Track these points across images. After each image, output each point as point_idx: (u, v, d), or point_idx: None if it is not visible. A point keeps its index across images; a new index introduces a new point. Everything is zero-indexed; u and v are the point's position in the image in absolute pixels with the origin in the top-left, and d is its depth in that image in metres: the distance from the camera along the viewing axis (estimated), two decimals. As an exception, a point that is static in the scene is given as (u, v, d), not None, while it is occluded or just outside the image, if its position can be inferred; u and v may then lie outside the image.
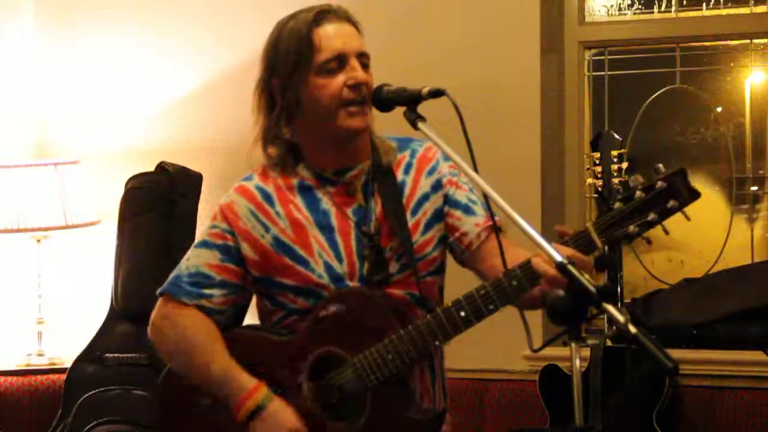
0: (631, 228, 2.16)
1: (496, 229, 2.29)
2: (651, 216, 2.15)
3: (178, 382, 2.48)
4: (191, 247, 2.48)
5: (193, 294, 2.42)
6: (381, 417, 2.34)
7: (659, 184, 2.14)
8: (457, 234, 2.45)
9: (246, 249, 2.42)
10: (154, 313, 2.47)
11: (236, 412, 2.36)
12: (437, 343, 2.31)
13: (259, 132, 2.46)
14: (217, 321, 2.45)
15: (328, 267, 2.39)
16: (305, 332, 2.40)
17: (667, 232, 2.20)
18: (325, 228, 2.41)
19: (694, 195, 2.15)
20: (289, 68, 2.39)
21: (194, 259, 2.45)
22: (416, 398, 2.40)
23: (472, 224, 2.44)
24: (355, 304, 2.38)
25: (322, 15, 2.39)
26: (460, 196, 2.46)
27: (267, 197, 2.43)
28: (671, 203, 2.14)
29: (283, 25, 2.42)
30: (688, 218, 2.17)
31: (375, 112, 2.43)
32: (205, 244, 2.45)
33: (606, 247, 2.20)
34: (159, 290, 2.48)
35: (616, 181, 3.45)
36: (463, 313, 2.27)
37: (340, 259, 2.40)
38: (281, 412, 2.35)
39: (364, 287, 2.39)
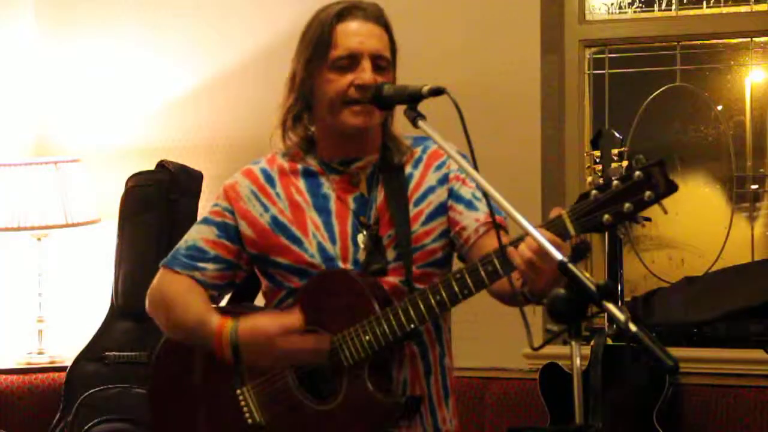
0: (606, 217, 2.08)
1: (497, 226, 2.28)
2: (626, 206, 2.07)
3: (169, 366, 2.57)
4: (194, 225, 2.57)
5: (187, 265, 2.50)
6: (356, 397, 2.36)
7: (636, 174, 2.06)
8: (457, 228, 2.47)
9: (244, 227, 2.48)
10: (151, 285, 2.55)
11: (221, 354, 2.40)
12: (412, 326, 2.32)
13: (282, 112, 2.50)
14: (209, 295, 2.51)
15: (321, 248, 2.43)
16: (286, 310, 2.43)
17: (643, 225, 2.14)
18: (323, 211, 2.46)
19: (672, 187, 2.07)
20: (308, 58, 2.44)
21: (193, 234, 2.53)
22: (393, 384, 2.41)
23: (472, 219, 2.45)
24: (339, 284, 2.40)
25: (348, 11, 2.43)
26: (465, 192, 2.48)
27: (269, 179, 2.50)
28: (647, 194, 2.06)
29: (316, 15, 2.47)
30: (665, 211, 2.10)
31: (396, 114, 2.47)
32: (205, 221, 2.54)
33: (582, 236, 2.15)
34: (161, 263, 2.56)
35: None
36: (438, 297, 2.28)
37: (333, 241, 2.44)
38: (254, 328, 2.38)
39: (350, 269, 2.42)
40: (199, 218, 2.59)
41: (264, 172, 2.51)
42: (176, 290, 2.50)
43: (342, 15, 2.42)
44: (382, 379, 2.39)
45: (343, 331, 2.36)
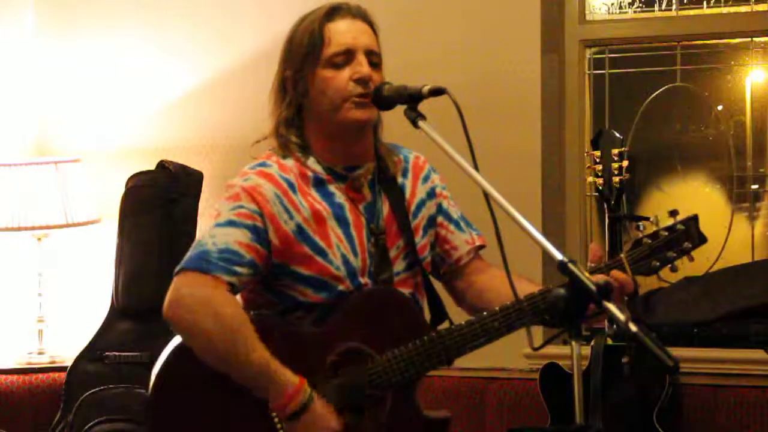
0: (654, 263, 2.42)
1: (504, 257, 2.33)
2: (669, 254, 2.44)
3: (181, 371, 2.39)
4: (212, 227, 2.38)
5: (226, 270, 2.32)
6: (402, 416, 2.37)
7: (679, 226, 2.45)
8: (446, 246, 2.54)
9: (271, 233, 2.38)
10: (178, 290, 2.32)
11: (281, 408, 2.30)
12: (468, 350, 2.36)
13: (273, 122, 2.48)
14: None
15: (346, 260, 2.42)
16: (332, 326, 2.39)
17: (675, 270, 2.49)
18: (342, 221, 2.43)
19: (703, 239, 2.47)
20: (300, 60, 2.42)
21: (222, 237, 2.34)
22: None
23: (463, 240, 2.55)
24: (385, 302, 2.41)
25: (335, 10, 2.44)
26: (453, 211, 2.57)
27: (290, 185, 2.43)
28: (686, 244, 2.45)
29: (300, 21, 2.46)
30: (691, 258, 2.48)
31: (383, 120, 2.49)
32: (232, 223, 2.36)
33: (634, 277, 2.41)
34: (181, 266, 2.34)
35: (616, 179, 3.45)
36: (497, 324, 2.34)
37: (355, 254, 2.43)
38: (324, 412, 2.33)
39: (394, 288, 2.43)
40: (220, 220, 2.38)
41: (283, 177, 2.43)
42: (238, 319, 2.30)
43: (330, 14, 2.43)
44: (417, 395, 2.42)
45: (394, 350, 2.36)
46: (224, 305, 2.31)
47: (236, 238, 2.35)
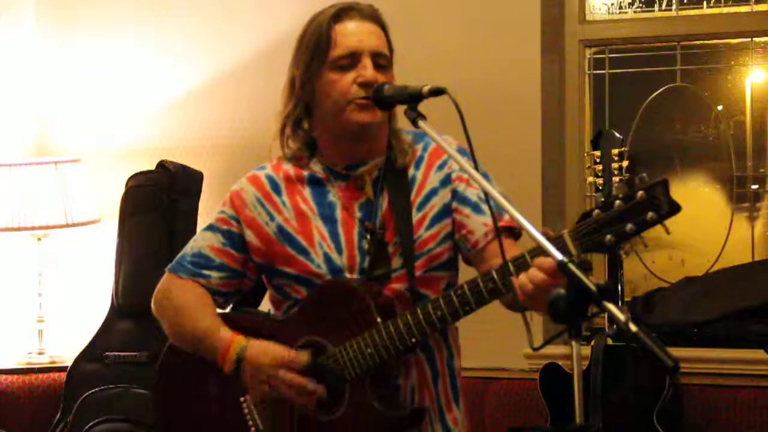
0: (608, 237, 2.05)
1: (498, 234, 2.27)
2: (628, 227, 2.03)
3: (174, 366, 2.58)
4: (200, 230, 2.58)
5: (192, 272, 2.51)
6: (358, 409, 2.36)
7: (639, 194, 2.01)
8: (463, 231, 2.43)
9: (250, 236, 2.47)
10: (157, 289, 2.57)
11: (224, 367, 2.43)
12: (413, 340, 2.31)
13: (281, 120, 2.49)
14: (215, 301, 2.52)
15: (328, 258, 2.42)
16: (292, 320, 2.44)
17: (645, 245, 2.10)
18: (329, 220, 2.44)
19: (674, 208, 2.01)
20: (308, 61, 2.43)
21: (199, 241, 2.53)
22: (396, 394, 2.41)
23: (480, 223, 2.41)
24: (341, 294, 2.40)
25: (344, 11, 2.43)
26: (471, 193, 2.44)
27: (275, 186, 2.48)
28: (650, 215, 2.01)
29: (312, 19, 2.46)
30: (667, 231, 2.06)
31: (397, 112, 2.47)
32: (210, 228, 2.53)
33: (581, 255, 2.08)
34: (166, 268, 2.57)
35: (616, 179, 3.45)
36: (439, 313, 2.28)
37: (340, 251, 2.43)
38: (262, 351, 2.40)
39: (353, 279, 2.41)
40: (205, 223, 2.58)
41: (270, 179, 2.49)
42: (186, 299, 2.50)
43: (339, 16, 2.42)
44: (387, 390, 2.39)
45: (346, 343, 2.35)
46: (180, 290, 2.52)
47: (209, 243, 2.52)
